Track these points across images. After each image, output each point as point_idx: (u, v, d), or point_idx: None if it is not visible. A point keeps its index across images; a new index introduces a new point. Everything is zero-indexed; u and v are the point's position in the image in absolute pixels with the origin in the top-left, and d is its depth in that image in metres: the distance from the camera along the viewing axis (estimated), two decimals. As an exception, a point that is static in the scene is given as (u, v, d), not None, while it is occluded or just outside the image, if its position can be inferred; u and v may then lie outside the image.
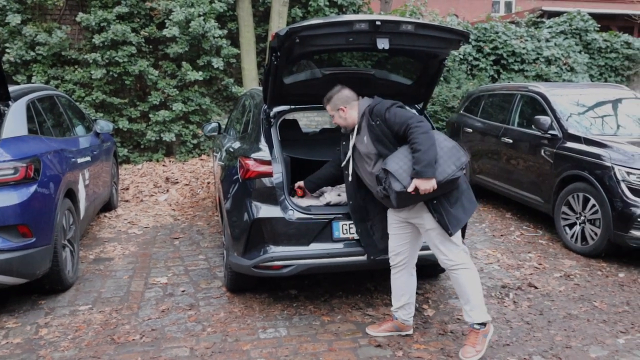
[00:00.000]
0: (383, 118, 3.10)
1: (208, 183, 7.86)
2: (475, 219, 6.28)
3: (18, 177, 3.54)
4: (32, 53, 8.27)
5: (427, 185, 2.90)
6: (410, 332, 3.46)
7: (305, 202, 3.84)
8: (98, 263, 4.76)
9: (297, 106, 4.20)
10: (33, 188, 3.64)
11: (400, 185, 2.96)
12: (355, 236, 3.58)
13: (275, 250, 3.55)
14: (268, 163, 3.65)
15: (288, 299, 4.00)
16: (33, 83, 7.85)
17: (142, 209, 6.72)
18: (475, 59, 11.01)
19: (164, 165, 8.73)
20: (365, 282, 4.27)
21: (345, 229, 3.60)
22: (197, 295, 4.07)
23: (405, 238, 3.30)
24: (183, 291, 4.14)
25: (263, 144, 3.81)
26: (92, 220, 5.82)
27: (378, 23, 3.22)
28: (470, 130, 7.33)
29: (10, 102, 3.94)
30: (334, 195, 3.91)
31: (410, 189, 2.91)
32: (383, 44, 3.31)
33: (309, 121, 9.88)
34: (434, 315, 3.74)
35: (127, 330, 3.46)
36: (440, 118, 9.93)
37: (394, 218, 3.32)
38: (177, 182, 7.93)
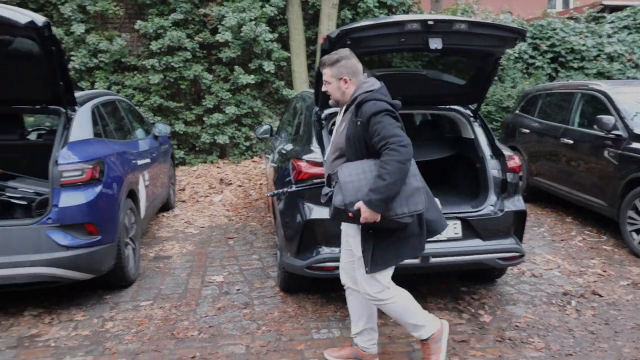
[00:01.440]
0: (366, 121, 2.62)
1: (260, 184, 8.00)
2: (533, 223, 6.09)
3: (85, 179, 3.74)
4: (95, 60, 8.69)
5: (371, 216, 2.54)
6: None
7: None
8: (157, 261, 4.95)
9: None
10: (98, 189, 3.83)
11: (342, 200, 2.60)
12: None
13: (327, 251, 3.58)
14: (320, 165, 3.68)
15: (341, 300, 4.01)
16: (96, 89, 8.25)
17: (198, 209, 6.93)
18: (532, 57, 10.65)
19: (218, 167, 8.96)
20: (418, 286, 4.22)
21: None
22: (251, 294, 4.16)
23: (352, 255, 2.91)
24: (238, 290, 4.24)
25: (315, 146, 3.85)
26: (152, 219, 6.06)
27: (430, 23, 3.19)
28: (527, 130, 7.10)
29: (76, 108, 4.16)
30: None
31: (350, 210, 2.58)
32: (436, 44, 3.28)
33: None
34: (490, 322, 3.65)
35: (186, 326, 3.58)
36: (495, 118, 9.68)
37: (342, 230, 3.01)
38: (231, 184, 8.11)
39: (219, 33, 8.76)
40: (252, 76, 8.95)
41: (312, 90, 5.07)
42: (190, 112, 9.15)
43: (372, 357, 3.09)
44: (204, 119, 9.06)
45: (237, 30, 8.77)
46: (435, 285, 4.26)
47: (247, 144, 9.32)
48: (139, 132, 5.78)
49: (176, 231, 5.97)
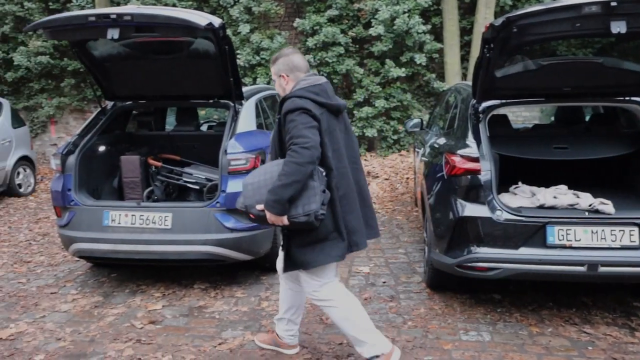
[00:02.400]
0: (283, 118, 2.57)
1: (407, 178, 7.94)
2: None
3: (248, 167, 4.05)
4: (257, 58, 9.35)
5: (271, 217, 2.52)
6: (292, 352, 3.10)
7: (515, 202, 3.61)
8: (307, 248, 5.19)
9: (508, 100, 3.98)
10: (259, 177, 4.12)
11: (241, 202, 2.58)
12: (574, 243, 3.24)
13: (480, 251, 3.42)
14: (476, 160, 3.53)
15: (491, 302, 3.82)
16: (257, 84, 8.89)
17: (345, 201, 7.10)
18: None
19: (365, 160, 9.08)
20: (580, 295, 3.84)
21: (561, 234, 3.29)
22: (397, 288, 4.15)
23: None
24: (384, 282, 4.26)
25: (471, 140, 3.69)
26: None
27: (614, 4, 2.85)
28: None
29: (243, 102, 4.53)
30: (549, 197, 3.60)
31: (250, 212, 2.57)
32: (619, 27, 2.93)
33: (514, 116, 9.26)
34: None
35: (334, 313, 3.71)
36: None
37: None
38: (378, 177, 8.18)
39: (372, 27, 8.85)
40: (403, 69, 8.89)
41: (468, 83, 4.88)
42: (340, 105, 9.38)
43: (289, 347, 3.11)
44: (354, 112, 9.23)
45: (390, 23, 8.76)
46: (602, 297, 3.83)
47: (395, 137, 9.30)
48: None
49: (325, 220, 6.18)
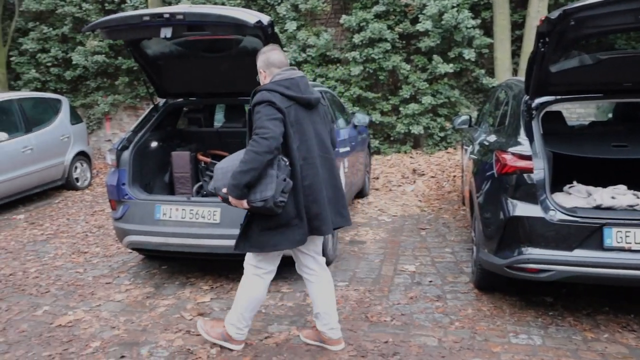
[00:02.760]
0: (252, 110, 2.78)
1: (454, 176, 7.80)
2: None
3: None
4: (304, 55, 9.40)
5: (232, 200, 2.76)
6: (338, 348, 3.14)
7: (570, 202, 3.48)
8: (353, 245, 5.18)
9: (563, 97, 3.83)
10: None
11: (212, 185, 2.89)
12: (634, 246, 3.10)
13: (531, 252, 3.33)
14: (528, 158, 3.42)
15: (543, 305, 3.70)
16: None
17: (391, 198, 7.05)
18: None
19: (411, 157, 8.99)
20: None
21: (620, 236, 3.15)
22: (444, 287, 4.09)
23: None
24: (430, 282, 4.20)
25: (523, 138, 3.59)
26: (348, 205, 6.35)
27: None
28: None
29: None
30: (607, 197, 3.46)
31: (219, 194, 2.82)
32: (686, 19, 2.76)
33: (568, 113, 8.91)
34: None
35: (379, 311, 3.69)
36: None
37: None
38: (424, 174, 8.07)
39: (419, 22, 8.72)
40: (451, 65, 8.72)
41: (519, 78, 4.74)
42: (386, 102, 9.32)
43: (333, 342, 3.15)
44: (400, 109, 9.14)
45: (438, 18, 8.61)
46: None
47: (442, 134, 9.14)
48: (341, 122, 6.09)
49: (370, 218, 6.17)
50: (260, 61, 2.98)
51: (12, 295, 4.22)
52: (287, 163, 2.78)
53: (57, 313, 3.83)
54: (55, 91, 10.60)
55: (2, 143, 6.77)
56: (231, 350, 3.17)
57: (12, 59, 11.05)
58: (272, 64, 2.93)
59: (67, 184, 8.19)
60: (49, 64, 10.77)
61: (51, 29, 10.73)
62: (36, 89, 10.62)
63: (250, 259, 3.06)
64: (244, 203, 2.75)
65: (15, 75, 11.22)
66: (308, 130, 2.87)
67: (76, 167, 8.35)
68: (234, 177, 2.71)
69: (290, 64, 10.20)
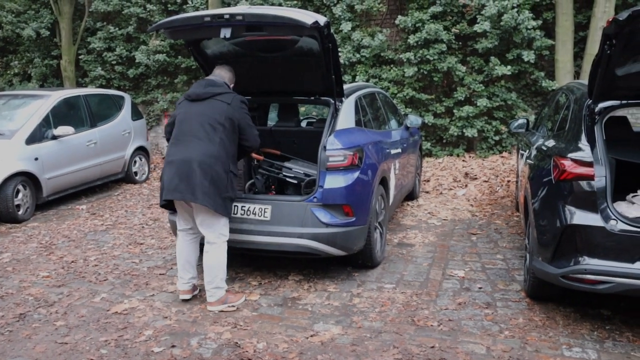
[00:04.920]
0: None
1: (508, 181, 7.58)
2: None
3: (346, 164, 4.10)
4: (358, 55, 9.39)
5: None
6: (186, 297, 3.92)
7: (634, 212, 3.32)
8: (401, 247, 5.14)
9: (629, 101, 3.65)
10: (356, 174, 4.15)
11: None
12: None
13: (589, 262, 3.19)
14: (589, 165, 3.29)
15: (599, 318, 3.55)
16: (357, 82, 8.93)
17: (441, 202, 6.94)
18: None
19: (463, 161, 8.80)
20: None
21: (688, 250, 2.97)
22: (494, 294, 3.99)
23: None
24: (480, 288, 4.11)
25: (584, 143, 3.45)
26: (398, 207, 6.31)
27: None
28: None
29: (343, 99, 4.58)
30: (674, 208, 3.26)
31: None
32: None
33: (634, 118, 8.47)
34: None
35: (426, 315, 3.65)
36: None
37: None
38: (476, 178, 7.89)
39: (477, 23, 8.52)
40: (509, 67, 8.47)
41: (581, 82, 4.55)
42: (440, 104, 9.16)
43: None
44: (454, 111, 8.96)
45: (497, 19, 8.39)
46: None
47: (497, 138, 8.90)
48: (393, 123, 6.05)
49: (419, 221, 6.09)
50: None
51: (73, 281, 4.45)
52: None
53: (113, 300, 4.02)
54: (118, 88, 11.10)
55: (68, 137, 7.15)
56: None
57: (80, 57, 11.66)
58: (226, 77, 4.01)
59: (127, 177, 8.56)
60: (114, 62, 11.28)
61: (117, 28, 11.23)
62: (101, 86, 11.17)
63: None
64: None
65: (83, 73, 11.84)
66: (187, 118, 3.74)
67: (135, 162, 8.71)
68: None
69: (344, 65, 10.22)
